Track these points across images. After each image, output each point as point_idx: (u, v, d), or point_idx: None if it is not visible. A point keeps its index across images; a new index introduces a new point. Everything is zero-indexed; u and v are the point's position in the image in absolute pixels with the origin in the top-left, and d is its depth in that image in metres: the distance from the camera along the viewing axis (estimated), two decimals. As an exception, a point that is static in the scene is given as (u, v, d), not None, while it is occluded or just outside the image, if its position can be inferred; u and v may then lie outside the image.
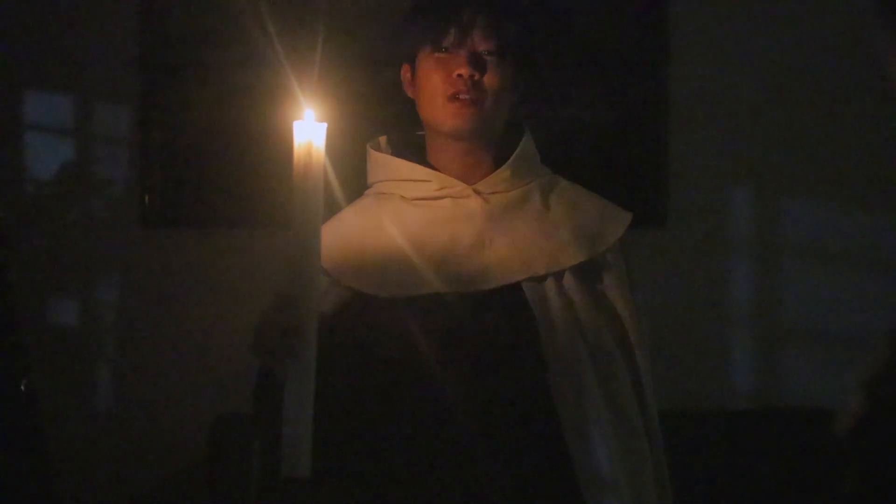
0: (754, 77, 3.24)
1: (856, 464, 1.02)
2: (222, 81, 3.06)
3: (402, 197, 1.87)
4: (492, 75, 1.81)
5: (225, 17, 3.00)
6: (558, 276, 1.83)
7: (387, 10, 2.89)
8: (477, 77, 1.79)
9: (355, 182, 1.93)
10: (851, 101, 3.23)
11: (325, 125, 1.53)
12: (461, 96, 1.79)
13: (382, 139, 1.95)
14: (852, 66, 3.18)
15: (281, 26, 2.84)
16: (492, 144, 1.88)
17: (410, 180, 1.87)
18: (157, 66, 3.06)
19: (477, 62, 1.80)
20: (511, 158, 1.87)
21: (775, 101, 3.25)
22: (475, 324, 1.79)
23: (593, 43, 3.17)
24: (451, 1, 1.82)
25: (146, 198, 3.08)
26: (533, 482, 1.78)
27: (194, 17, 3.06)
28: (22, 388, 2.13)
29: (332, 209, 1.86)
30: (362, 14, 3.05)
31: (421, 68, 1.84)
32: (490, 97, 1.81)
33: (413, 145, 1.92)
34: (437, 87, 1.81)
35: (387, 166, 1.90)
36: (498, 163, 1.88)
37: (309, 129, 1.51)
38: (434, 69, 1.82)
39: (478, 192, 1.85)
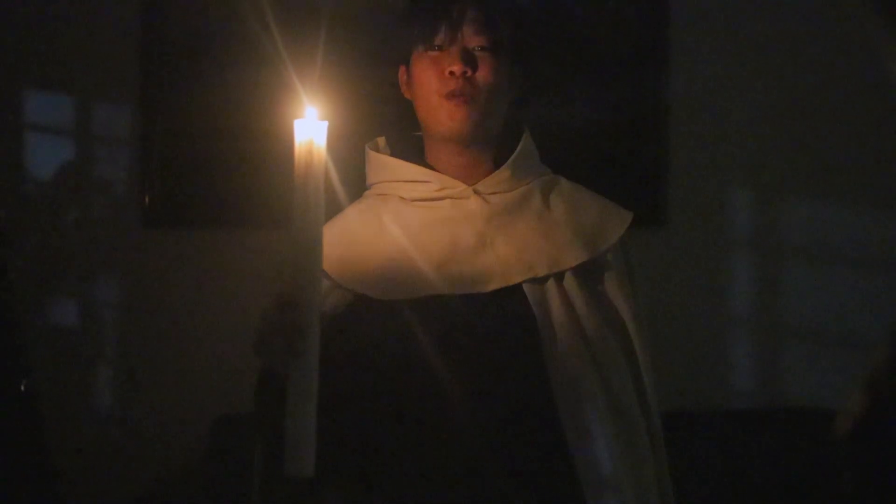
0: (754, 77, 3.24)
1: (856, 464, 1.02)
2: (223, 81, 3.06)
3: (402, 198, 1.86)
4: (485, 71, 1.80)
5: (226, 17, 3.00)
6: (559, 276, 1.82)
7: (388, 8, 2.90)
8: (470, 73, 1.79)
9: (356, 182, 1.93)
10: (851, 101, 3.23)
11: (326, 123, 1.53)
12: (456, 95, 1.79)
13: (381, 140, 1.94)
14: (852, 67, 3.18)
15: (281, 25, 2.84)
16: (490, 144, 1.87)
17: (410, 181, 1.87)
18: (158, 66, 3.06)
19: (469, 58, 1.80)
20: (511, 158, 1.87)
21: (775, 101, 3.25)
22: (476, 325, 1.78)
23: (593, 43, 3.17)
24: None
25: (146, 198, 3.08)
26: (535, 483, 1.77)
27: (194, 16, 3.06)
28: (22, 388, 2.12)
29: (334, 208, 1.86)
30: (363, 13, 3.05)
31: (415, 68, 1.84)
32: (485, 94, 1.80)
33: (412, 146, 1.92)
34: (432, 85, 1.80)
35: (386, 167, 1.90)
36: (498, 163, 1.87)
37: (310, 127, 1.51)
38: (428, 68, 1.81)
39: (478, 193, 1.85)
